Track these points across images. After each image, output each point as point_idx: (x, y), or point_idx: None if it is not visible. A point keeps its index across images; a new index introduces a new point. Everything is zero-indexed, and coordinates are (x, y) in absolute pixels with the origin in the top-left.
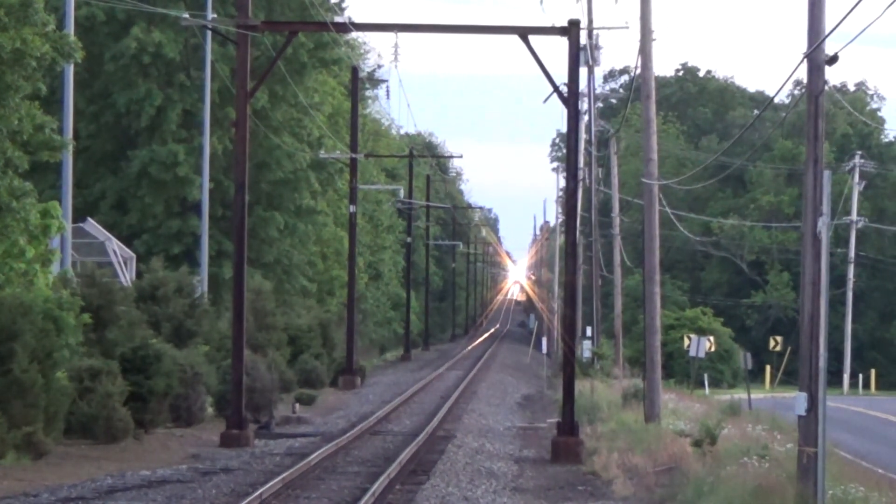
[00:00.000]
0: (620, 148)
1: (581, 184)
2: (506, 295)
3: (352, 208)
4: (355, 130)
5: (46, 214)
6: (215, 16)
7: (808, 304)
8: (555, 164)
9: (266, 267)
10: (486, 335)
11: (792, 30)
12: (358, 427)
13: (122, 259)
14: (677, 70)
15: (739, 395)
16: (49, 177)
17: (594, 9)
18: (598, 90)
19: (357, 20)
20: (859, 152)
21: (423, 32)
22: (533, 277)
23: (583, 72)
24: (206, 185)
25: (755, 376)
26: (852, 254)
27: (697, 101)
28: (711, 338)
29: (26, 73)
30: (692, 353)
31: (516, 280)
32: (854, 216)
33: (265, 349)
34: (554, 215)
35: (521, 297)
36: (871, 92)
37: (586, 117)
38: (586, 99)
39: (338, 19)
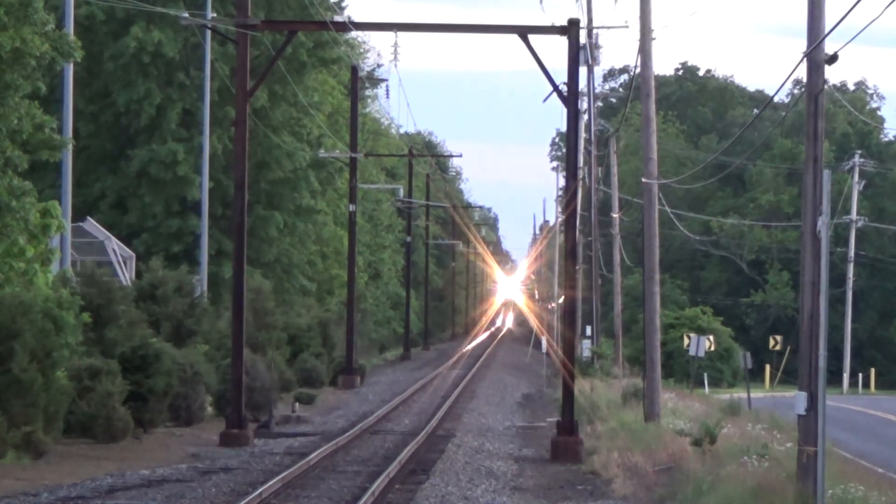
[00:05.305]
0: (620, 147)
1: (581, 183)
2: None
3: (351, 207)
4: (355, 129)
5: (46, 214)
6: (215, 15)
7: (808, 304)
8: (555, 164)
9: (266, 266)
10: (486, 334)
11: (792, 29)
12: (357, 426)
13: (121, 258)
14: (677, 69)
15: (739, 394)
16: (49, 176)
17: (594, 8)
18: (598, 89)
19: (357, 19)
20: (859, 151)
21: (423, 32)
22: (533, 277)
23: (582, 71)
24: (206, 184)
25: (755, 375)
26: (852, 253)
27: (697, 100)
28: (711, 337)
29: (26, 73)
30: (692, 352)
31: (507, 300)
32: (854, 215)
33: (265, 348)
34: (554, 214)
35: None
36: (870, 91)
37: (586, 116)
38: (586, 98)
39: (337, 18)
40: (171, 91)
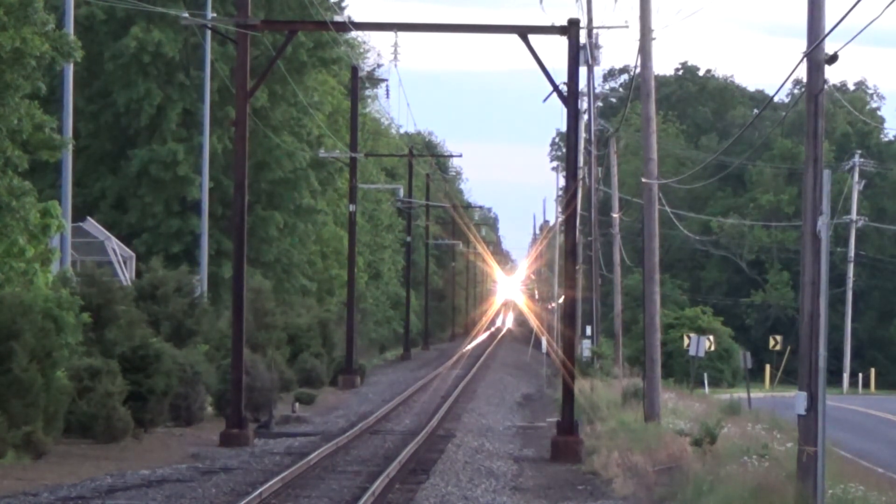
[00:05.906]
0: (620, 147)
1: (581, 183)
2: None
3: (351, 207)
4: (355, 129)
5: (46, 214)
6: (215, 15)
7: (808, 304)
8: (555, 164)
9: (266, 266)
10: (486, 334)
11: (792, 29)
12: (357, 426)
13: (121, 258)
14: (677, 69)
15: (739, 394)
16: (49, 176)
17: (594, 8)
18: (598, 89)
19: (356, 19)
20: (859, 151)
21: (423, 32)
22: (533, 277)
23: (582, 71)
24: (206, 184)
25: (755, 375)
26: (852, 253)
27: (697, 100)
28: (711, 337)
29: (26, 73)
30: (692, 352)
31: (507, 300)
32: (854, 215)
33: (265, 348)
34: (554, 214)
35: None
36: (870, 91)
37: (586, 116)
38: (586, 98)
39: (337, 18)
40: (171, 91)
